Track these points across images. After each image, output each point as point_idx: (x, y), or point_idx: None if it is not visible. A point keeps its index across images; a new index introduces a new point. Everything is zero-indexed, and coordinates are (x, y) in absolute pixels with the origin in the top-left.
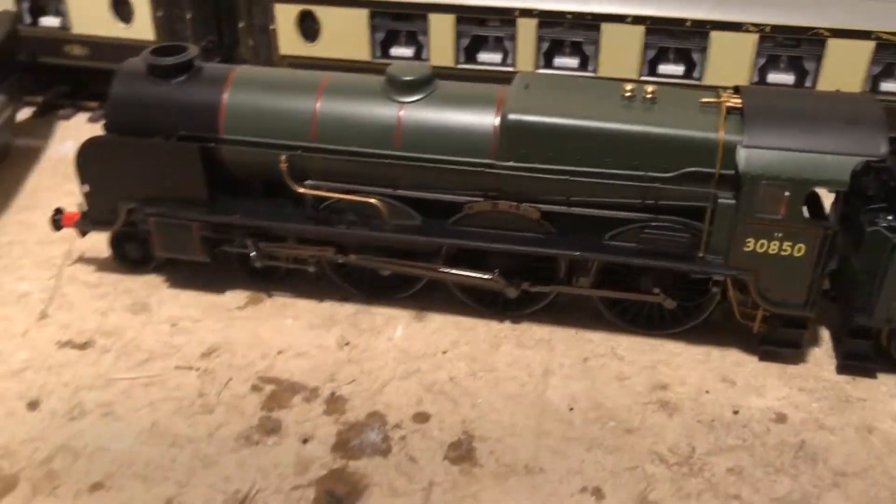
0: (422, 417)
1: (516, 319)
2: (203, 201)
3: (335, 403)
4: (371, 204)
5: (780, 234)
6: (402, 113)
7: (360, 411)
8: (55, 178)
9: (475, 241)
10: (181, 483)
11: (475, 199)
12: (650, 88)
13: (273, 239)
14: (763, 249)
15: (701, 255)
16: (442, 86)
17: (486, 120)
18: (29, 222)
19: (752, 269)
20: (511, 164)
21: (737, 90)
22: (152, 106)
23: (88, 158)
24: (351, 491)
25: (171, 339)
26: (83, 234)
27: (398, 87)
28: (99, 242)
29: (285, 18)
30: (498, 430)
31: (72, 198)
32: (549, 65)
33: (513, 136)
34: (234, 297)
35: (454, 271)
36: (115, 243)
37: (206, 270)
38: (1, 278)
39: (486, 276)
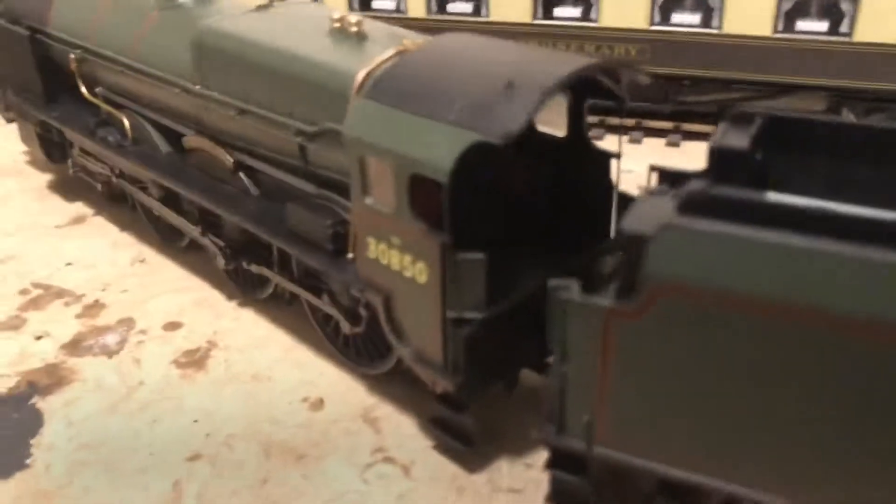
0: (173, 326)
1: (244, 303)
2: (39, 97)
3: (93, 309)
4: (117, 117)
5: (398, 242)
6: (152, 14)
7: (114, 317)
8: None
9: (152, 169)
10: None
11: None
12: (354, 19)
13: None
14: (386, 261)
15: (350, 254)
16: (215, 2)
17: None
18: None
19: (379, 288)
20: (198, 88)
21: None
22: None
23: None
24: (53, 384)
25: None
26: None
27: None
28: None
29: None
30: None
31: None
32: (442, 10)
33: (202, 53)
34: (58, 217)
35: (164, 209)
36: None
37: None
38: None
39: (194, 229)
